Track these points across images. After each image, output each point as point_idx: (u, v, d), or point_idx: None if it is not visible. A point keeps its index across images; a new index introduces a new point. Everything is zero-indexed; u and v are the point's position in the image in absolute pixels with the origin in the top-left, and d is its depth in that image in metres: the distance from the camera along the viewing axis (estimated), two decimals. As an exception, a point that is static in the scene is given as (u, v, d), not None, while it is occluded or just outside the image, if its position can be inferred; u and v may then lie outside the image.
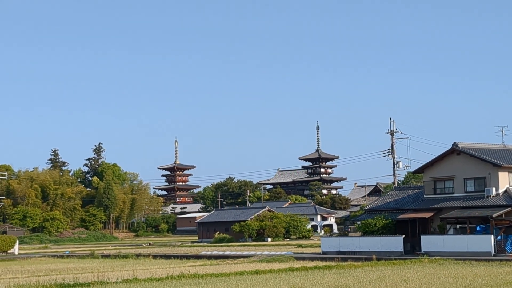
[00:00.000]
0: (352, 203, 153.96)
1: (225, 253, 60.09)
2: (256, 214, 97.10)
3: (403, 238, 49.75)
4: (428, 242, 48.00)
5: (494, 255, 44.01)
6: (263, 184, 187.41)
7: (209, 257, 55.43)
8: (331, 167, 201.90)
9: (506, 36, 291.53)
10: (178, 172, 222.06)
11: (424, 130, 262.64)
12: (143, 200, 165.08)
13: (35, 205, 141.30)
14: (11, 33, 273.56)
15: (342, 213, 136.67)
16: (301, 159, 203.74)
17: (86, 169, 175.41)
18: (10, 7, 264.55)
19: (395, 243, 49.72)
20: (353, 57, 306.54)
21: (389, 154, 73.44)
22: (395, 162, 71.89)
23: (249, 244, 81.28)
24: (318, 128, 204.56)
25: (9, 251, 73.57)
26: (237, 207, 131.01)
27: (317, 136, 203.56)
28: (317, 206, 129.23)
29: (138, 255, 59.68)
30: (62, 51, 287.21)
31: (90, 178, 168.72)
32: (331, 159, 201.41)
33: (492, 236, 45.14)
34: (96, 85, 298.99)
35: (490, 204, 47.17)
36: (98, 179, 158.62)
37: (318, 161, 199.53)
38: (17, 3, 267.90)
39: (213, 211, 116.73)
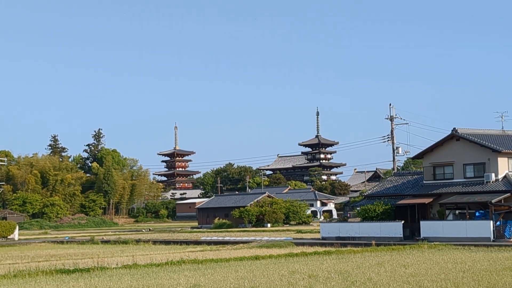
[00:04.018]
0: (351, 188, 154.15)
1: (225, 238, 60.20)
2: (255, 200, 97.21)
3: (403, 223, 49.81)
4: (427, 227, 48.07)
5: (493, 241, 44.07)
6: (263, 169, 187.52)
7: (209, 243, 55.57)
8: (330, 153, 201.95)
9: (507, 21, 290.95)
10: (177, 158, 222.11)
11: (424, 115, 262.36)
12: (143, 186, 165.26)
13: (35, 191, 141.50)
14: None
15: (342, 199, 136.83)
16: (301, 145, 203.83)
17: (85, 155, 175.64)
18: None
19: (395, 228, 49.81)
20: (353, 43, 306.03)
21: (388, 140, 73.35)
22: (395, 148, 71.83)
23: (249, 229, 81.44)
24: (317, 113, 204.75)
25: (9, 237, 73.69)
26: (237, 192, 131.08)
27: (317, 122, 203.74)
28: (316, 191, 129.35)
29: (138, 241, 59.80)
30: (60, 39, 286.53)
31: (90, 164, 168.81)
32: (331, 145, 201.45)
33: (491, 221, 45.18)
34: (95, 70, 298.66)
35: (490, 190, 47.19)
36: (98, 165, 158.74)
37: (317, 146, 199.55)
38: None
39: (213, 196, 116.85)
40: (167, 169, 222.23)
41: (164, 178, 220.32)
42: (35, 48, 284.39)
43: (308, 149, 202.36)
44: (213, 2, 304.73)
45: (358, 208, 57.29)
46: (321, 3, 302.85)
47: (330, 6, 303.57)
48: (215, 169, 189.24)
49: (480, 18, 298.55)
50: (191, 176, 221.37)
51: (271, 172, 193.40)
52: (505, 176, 48.18)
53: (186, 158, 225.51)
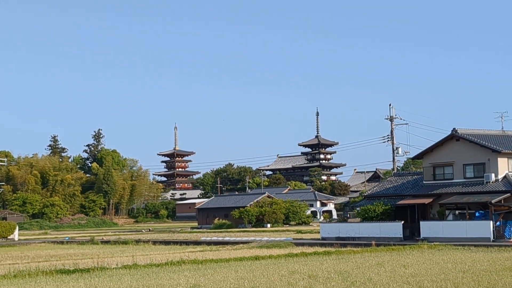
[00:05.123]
0: (351, 189, 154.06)
1: (225, 239, 60.19)
2: (255, 200, 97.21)
3: (402, 223, 49.80)
4: (427, 227, 48.07)
5: (493, 241, 44.07)
6: (263, 170, 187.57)
7: (209, 243, 55.56)
8: (330, 153, 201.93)
9: (507, 22, 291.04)
10: (177, 158, 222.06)
11: (424, 116, 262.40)
12: (143, 186, 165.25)
13: (35, 191, 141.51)
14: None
15: (342, 199, 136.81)
16: (301, 145, 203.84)
17: (85, 155, 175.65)
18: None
19: (394, 228, 49.80)
20: (352, 43, 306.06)
21: (388, 140, 73.34)
22: (395, 148, 71.81)
23: (249, 230, 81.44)
24: (317, 114, 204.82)
25: (9, 237, 73.68)
26: (237, 193, 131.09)
27: (317, 122, 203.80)
28: (316, 192, 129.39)
29: (137, 241, 59.80)
30: (60, 40, 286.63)
31: (90, 164, 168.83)
32: (331, 145, 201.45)
33: (491, 221, 45.18)
34: (95, 71, 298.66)
35: (489, 190, 47.19)
36: (98, 165, 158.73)
37: (317, 147, 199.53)
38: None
39: (213, 197, 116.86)
40: (167, 170, 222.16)
41: (164, 179, 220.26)
42: (35, 50, 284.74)
43: (308, 150, 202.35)
44: (214, 6, 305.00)
45: (358, 209, 57.27)
46: (321, 8, 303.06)
47: (330, 10, 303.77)
48: (215, 169, 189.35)
49: (480, 19, 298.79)
50: (191, 177, 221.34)
51: (271, 173, 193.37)
52: (505, 176, 48.19)
53: (186, 158, 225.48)
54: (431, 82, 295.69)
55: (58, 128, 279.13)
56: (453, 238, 45.29)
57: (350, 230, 52.91)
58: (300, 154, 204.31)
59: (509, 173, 48.35)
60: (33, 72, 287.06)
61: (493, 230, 44.97)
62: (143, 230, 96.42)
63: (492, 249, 38.37)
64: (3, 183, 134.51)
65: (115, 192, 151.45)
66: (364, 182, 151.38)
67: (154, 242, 59.00)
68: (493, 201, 45.53)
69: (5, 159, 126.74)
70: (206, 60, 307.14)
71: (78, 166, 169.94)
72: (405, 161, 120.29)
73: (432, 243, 43.41)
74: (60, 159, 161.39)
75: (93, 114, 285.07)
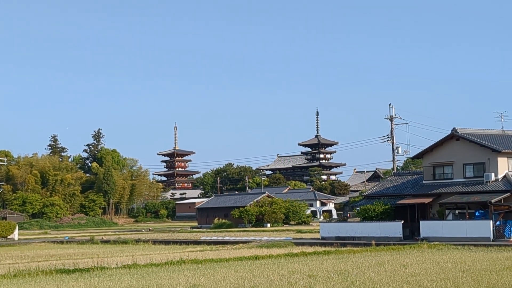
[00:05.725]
0: (351, 188, 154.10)
1: (225, 238, 60.20)
2: (255, 200, 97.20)
3: (402, 223, 49.80)
4: (427, 227, 48.07)
5: (493, 240, 44.07)
6: (263, 169, 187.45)
7: (209, 243, 55.58)
8: (330, 153, 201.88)
9: (506, 22, 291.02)
10: (177, 158, 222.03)
11: (424, 115, 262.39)
12: (143, 186, 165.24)
13: (35, 190, 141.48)
14: None
15: (341, 199, 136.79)
16: (301, 145, 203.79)
17: (85, 155, 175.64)
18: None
19: (394, 228, 49.80)
20: (353, 44, 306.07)
21: (388, 140, 73.35)
22: (395, 148, 71.82)
23: (249, 229, 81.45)
24: (317, 113, 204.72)
25: (8, 237, 73.70)
26: (237, 192, 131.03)
27: (317, 122, 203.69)
28: (316, 191, 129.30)
29: (137, 241, 59.82)
30: (60, 40, 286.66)
31: (90, 164, 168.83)
32: (331, 145, 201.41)
33: (491, 221, 45.17)
34: (95, 71, 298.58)
35: (489, 190, 47.18)
36: (98, 164, 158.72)
37: (317, 146, 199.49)
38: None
39: (213, 196, 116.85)
40: (166, 169, 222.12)
41: (163, 178, 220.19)
42: (34, 49, 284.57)
43: (308, 149, 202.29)
44: (214, 6, 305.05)
45: (357, 208, 57.24)
46: (321, 8, 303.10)
47: (330, 10, 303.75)
48: (214, 169, 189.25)
49: (480, 18, 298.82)
50: (191, 176, 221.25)
51: (270, 172, 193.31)
52: (504, 176, 48.18)
53: (185, 158, 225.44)
54: (431, 82, 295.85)
55: (63, 127, 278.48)
56: (453, 237, 45.29)
57: (350, 229, 52.90)
58: (300, 153, 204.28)
59: (509, 173, 48.35)
60: (33, 72, 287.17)
61: (493, 230, 44.97)
62: (143, 230, 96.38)
63: (492, 249, 38.38)
64: (3, 183, 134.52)
65: (115, 191, 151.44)
66: (364, 181, 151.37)
67: (154, 242, 59.01)
68: (493, 201, 45.52)
69: (5, 159, 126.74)
70: (206, 60, 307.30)
71: (78, 165, 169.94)
72: (405, 160, 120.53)
73: (432, 243, 43.42)
74: (60, 159, 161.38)
75: (93, 114, 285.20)
